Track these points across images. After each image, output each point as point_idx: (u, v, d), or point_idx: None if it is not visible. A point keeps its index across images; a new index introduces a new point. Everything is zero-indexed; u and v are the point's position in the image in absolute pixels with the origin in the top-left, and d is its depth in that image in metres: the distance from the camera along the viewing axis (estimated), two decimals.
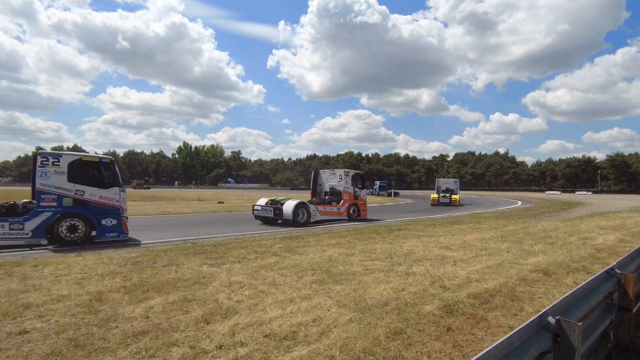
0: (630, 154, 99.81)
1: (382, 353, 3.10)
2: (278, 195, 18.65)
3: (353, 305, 4.26)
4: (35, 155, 8.41)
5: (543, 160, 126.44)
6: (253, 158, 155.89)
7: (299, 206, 13.28)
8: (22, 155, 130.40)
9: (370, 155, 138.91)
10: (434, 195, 28.83)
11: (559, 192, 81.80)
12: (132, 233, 9.51)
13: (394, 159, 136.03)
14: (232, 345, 3.20)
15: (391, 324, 3.71)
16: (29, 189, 9.33)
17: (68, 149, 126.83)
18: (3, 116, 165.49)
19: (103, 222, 8.58)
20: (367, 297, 4.57)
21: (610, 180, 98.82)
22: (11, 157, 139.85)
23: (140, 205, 22.65)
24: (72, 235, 8.27)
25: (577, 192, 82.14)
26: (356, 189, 15.92)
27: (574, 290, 2.70)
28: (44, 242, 8.03)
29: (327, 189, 16.17)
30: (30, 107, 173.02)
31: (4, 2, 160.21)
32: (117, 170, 9.08)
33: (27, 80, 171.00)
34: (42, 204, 8.05)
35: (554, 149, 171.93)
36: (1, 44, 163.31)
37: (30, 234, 7.89)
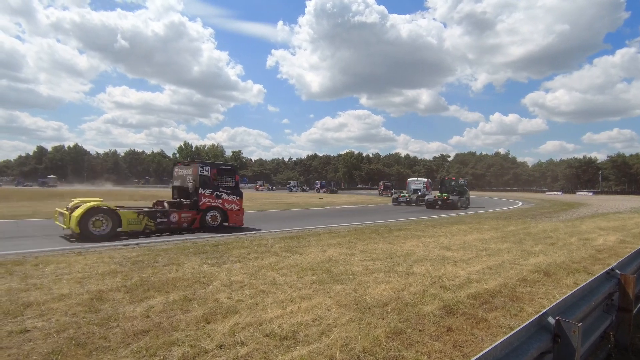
0: (631, 155, 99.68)
1: (382, 353, 3.10)
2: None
3: (353, 305, 4.26)
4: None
5: (543, 160, 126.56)
6: (253, 158, 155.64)
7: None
8: (22, 155, 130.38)
9: (370, 155, 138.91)
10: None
11: (559, 193, 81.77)
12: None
13: (395, 159, 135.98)
14: (232, 344, 3.20)
15: (391, 324, 3.72)
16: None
17: (69, 148, 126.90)
18: (3, 115, 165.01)
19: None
20: (368, 297, 4.57)
21: (611, 181, 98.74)
22: (12, 157, 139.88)
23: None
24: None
25: (577, 193, 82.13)
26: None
27: (574, 290, 2.71)
28: None
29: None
30: (31, 106, 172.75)
31: (3, 1, 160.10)
32: None
33: (27, 79, 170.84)
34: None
35: (553, 149, 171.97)
36: (1, 43, 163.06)
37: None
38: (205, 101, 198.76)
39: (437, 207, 24.49)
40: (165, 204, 11.77)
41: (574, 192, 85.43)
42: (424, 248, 8.18)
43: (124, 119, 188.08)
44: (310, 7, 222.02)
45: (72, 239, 8.96)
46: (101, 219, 9.28)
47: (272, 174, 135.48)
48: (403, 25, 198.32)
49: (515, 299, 4.67)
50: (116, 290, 4.68)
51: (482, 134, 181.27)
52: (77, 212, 8.97)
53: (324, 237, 9.63)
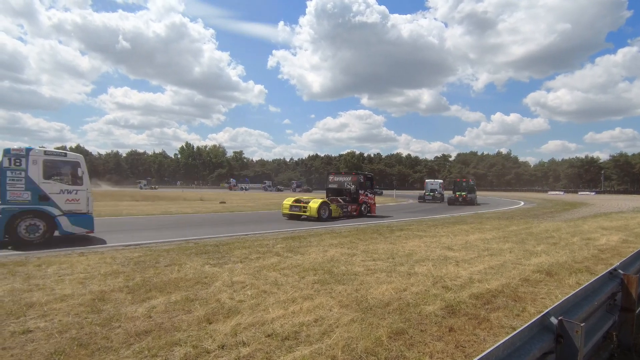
0: (633, 154, 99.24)
1: (384, 353, 3.10)
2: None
3: (355, 306, 4.26)
4: None
5: (545, 160, 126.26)
6: (255, 158, 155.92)
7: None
8: None
9: (372, 156, 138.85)
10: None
11: (561, 193, 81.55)
12: (133, 234, 9.60)
13: (396, 159, 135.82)
14: (234, 345, 3.20)
15: (393, 324, 3.71)
16: None
17: (71, 149, 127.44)
18: (6, 116, 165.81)
19: None
20: (369, 297, 4.57)
21: (614, 180, 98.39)
22: None
23: (143, 206, 22.71)
24: None
25: (579, 193, 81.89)
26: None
27: (576, 290, 2.70)
28: None
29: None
30: (33, 108, 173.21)
31: (5, 2, 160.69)
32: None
33: (30, 80, 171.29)
34: None
35: (555, 149, 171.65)
36: (4, 44, 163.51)
37: None
38: (206, 102, 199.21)
39: (457, 203, 29.71)
40: (340, 200, 17.82)
41: (576, 192, 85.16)
42: (425, 248, 8.17)
43: (126, 119, 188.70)
44: (311, 7, 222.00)
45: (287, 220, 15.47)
46: (325, 208, 15.52)
47: (274, 174, 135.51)
48: (404, 25, 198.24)
49: (517, 299, 4.66)
50: (118, 291, 4.69)
51: (483, 134, 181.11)
52: (315, 205, 15.16)
53: (325, 237, 9.63)
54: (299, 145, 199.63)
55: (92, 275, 5.41)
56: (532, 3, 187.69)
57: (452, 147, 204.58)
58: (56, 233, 8.46)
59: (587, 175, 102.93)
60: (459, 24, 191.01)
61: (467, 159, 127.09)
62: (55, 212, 8.52)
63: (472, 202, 29.66)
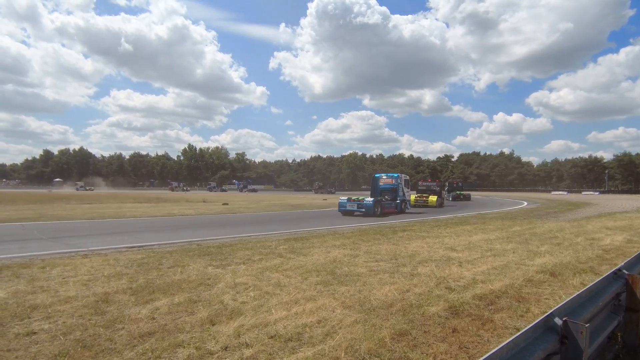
0: (637, 154, 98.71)
1: (387, 354, 3.09)
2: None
3: (358, 307, 4.25)
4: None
5: (548, 160, 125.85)
6: (257, 159, 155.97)
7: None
8: (29, 158, 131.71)
9: (374, 157, 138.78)
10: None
11: (565, 193, 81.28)
12: (136, 236, 9.63)
13: (399, 159, 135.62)
14: (237, 346, 3.21)
15: (396, 325, 3.70)
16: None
17: (74, 151, 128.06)
18: (10, 119, 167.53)
19: None
20: (372, 298, 4.56)
21: (618, 180, 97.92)
22: (18, 160, 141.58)
23: (145, 208, 22.78)
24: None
25: (583, 193, 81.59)
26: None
27: (580, 291, 2.68)
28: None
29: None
30: (37, 110, 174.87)
31: (9, 6, 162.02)
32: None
33: (33, 83, 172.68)
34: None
35: (558, 149, 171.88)
36: (7, 48, 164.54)
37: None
38: (208, 104, 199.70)
39: (459, 199, 38.88)
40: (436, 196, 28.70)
41: (580, 192, 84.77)
42: (428, 249, 8.14)
43: (129, 122, 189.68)
44: (312, 9, 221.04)
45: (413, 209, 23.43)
46: (439, 200, 27.95)
47: (276, 175, 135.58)
48: (405, 25, 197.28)
49: (521, 300, 4.64)
50: (122, 293, 4.70)
51: (486, 134, 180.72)
52: (434, 199, 27.73)
53: (328, 238, 9.62)
54: (301, 147, 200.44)
55: (95, 277, 5.43)
56: (533, 3, 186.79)
57: (454, 147, 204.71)
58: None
59: (590, 175, 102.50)
60: (460, 24, 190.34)
61: (469, 159, 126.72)
62: (406, 200, 21.37)
63: (468, 198, 41.15)
